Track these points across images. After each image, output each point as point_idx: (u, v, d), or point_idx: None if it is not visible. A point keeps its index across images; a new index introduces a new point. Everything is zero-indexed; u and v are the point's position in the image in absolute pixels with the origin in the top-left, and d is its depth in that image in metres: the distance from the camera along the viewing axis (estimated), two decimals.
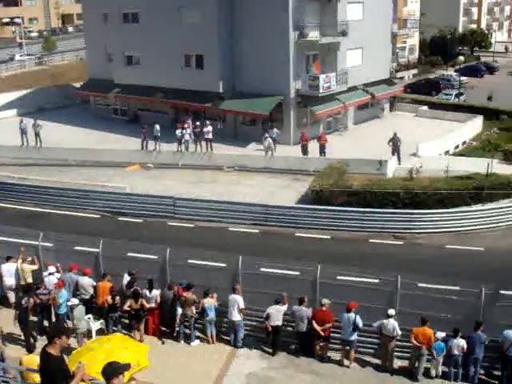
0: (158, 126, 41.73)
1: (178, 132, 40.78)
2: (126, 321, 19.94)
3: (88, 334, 19.58)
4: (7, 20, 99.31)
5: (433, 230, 28.65)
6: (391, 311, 17.72)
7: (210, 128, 40.94)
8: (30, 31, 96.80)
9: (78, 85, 58.31)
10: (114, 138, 46.19)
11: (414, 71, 68.62)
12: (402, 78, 63.03)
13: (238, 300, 18.87)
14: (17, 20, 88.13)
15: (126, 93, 49.98)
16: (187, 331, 19.55)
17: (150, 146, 41.73)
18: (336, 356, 18.61)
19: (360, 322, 17.79)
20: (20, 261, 21.18)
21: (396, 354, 18.18)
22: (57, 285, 19.69)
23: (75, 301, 19.15)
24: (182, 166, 38.75)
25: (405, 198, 29.72)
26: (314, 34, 42.43)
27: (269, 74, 41.99)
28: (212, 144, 40.91)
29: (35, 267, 21.30)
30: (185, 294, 19.15)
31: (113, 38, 49.99)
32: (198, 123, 42.37)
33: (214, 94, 44.31)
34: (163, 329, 20.00)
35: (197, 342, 19.48)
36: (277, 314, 18.57)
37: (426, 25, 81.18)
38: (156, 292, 19.55)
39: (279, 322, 18.68)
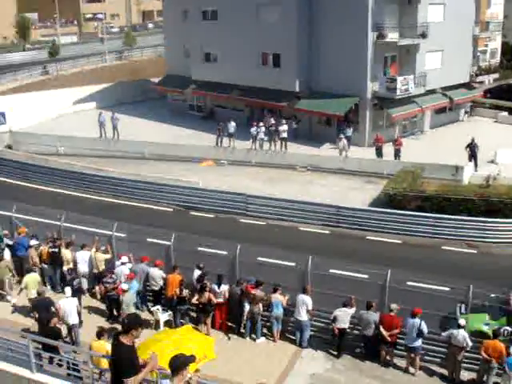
0: (233, 123, 42.25)
1: (253, 130, 41.13)
2: (194, 314, 20.23)
3: (156, 325, 19.99)
4: (90, 16, 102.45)
5: (508, 240, 27.80)
6: (462, 321, 17.31)
7: (285, 127, 41.13)
8: (111, 27, 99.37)
9: (156, 80, 59.42)
10: (189, 133, 46.94)
11: (495, 76, 66.52)
12: (482, 82, 61.18)
13: (306, 301, 18.84)
14: (99, 16, 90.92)
15: (203, 89, 50.78)
16: (254, 328, 19.67)
17: (224, 143, 42.20)
18: (402, 363, 18.36)
19: (425, 328, 17.46)
20: (94, 249, 21.82)
21: (464, 365, 17.72)
22: (129, 276, 20.17)
23: (125, 286, 19.35)
24: (255, 164, 38.98)
25: (480, 205, 28.96)
26: (392, 36, 41.85)
27: (346, 75, 41.66)
28: (286, 143, 41.02)
29: (108, 256, 21.88)
30: (253, 292, 19.25)
31: (191, 35, 50.68)
32: (273, 121, 42.60)
33: (291, 93, 44.35)
34: (230, 324, 20.18)
35: (262, 339, 19.58)
36: (344, 316, 18.47)
37: (509, 28, 78.73)
38: (225, 287, 19.71)
39: (346, 325, 18.57)
